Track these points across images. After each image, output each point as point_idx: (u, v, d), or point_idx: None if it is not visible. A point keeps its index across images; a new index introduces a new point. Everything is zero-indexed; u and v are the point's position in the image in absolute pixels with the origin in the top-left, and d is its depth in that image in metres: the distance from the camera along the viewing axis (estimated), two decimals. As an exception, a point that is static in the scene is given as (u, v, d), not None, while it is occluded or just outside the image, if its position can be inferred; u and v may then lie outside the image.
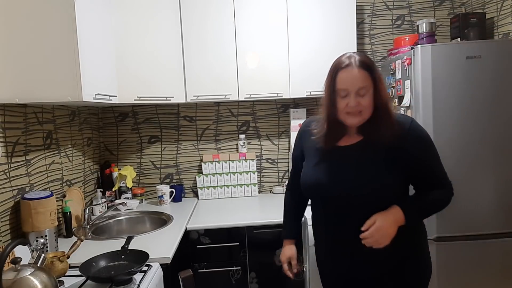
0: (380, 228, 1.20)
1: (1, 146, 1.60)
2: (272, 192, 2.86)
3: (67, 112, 2.21)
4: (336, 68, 1.28)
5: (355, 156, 1.29)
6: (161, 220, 2.30)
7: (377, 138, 1.26)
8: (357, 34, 2.59)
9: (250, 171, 2.78)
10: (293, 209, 1.60)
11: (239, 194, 2.78)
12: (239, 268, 2.18)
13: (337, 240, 1.34)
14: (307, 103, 2.84)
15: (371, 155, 1.27)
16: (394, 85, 2.46)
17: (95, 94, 1.70)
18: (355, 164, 1.28)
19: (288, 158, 2.87)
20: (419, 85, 2.15)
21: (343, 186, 1.27)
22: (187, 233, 2.14)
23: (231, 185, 2.77)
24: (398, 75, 2.37)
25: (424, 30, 2.40)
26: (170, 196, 2.64)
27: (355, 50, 2.47)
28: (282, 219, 1.62)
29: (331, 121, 1.32)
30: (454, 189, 2.12)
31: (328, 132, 1.33)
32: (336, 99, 1.27)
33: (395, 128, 1.26)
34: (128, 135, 2.80)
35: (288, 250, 1.54)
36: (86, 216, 2.09)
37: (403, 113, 2.33)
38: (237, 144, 2.84)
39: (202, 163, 2.77)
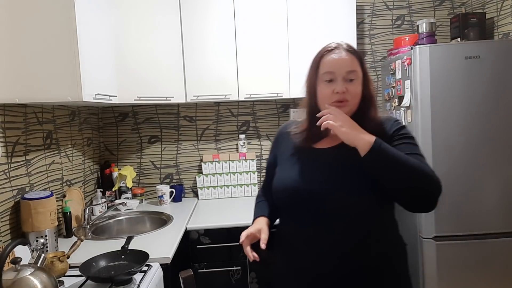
0: (341, 114, 1.07)
1: (1, 146, 1.60)
2: (272, 192, 2.86)
3: (67, 112, 2.21)
4: (322, 53, 1.17)
5: (336, 159, 1.15)
6: (161, 220, 2.30)
7: None
8: (357, 34, 2.60)
9: (250, 171, 2.78)
10: (267, 201, 1.35)
11: (239, 194, 2.78)
12: (239, 268, 2.18)
13: (312, 260, 1.13)
14: (307, 103, 2.83)
15: (354, 158, 1.08)
16: (394, 85, 2.46)
17: (95, 94, 1.70)
18: (334, 167, 1.13)
19: (288, 158, 2.87)
20: (418, 85, 2.15)
21: (321, 192, 1.11)
22: (187, 233, 2.14)
23: (231, 185, 2.77)
24: (398, 75, 2.37)
25: (424, 30, 2.41)
26: (170, 196, 2.64)
27: (355, 50, 2.48)
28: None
29: (313, 117, 1.16)
30: (454, 188, 2.14)
31: (309, 129, 1.20)
32: (320, 86, 1.15)
33: (380, 128, 1.14)
34: (128, 135, 2.80)
35: (256, 223, 1.23)
36: (86, 216, 2.09)
37: (403, 113, 2.34)
38: (237, 144, 2.84)
39: (202, 163, 2.77)
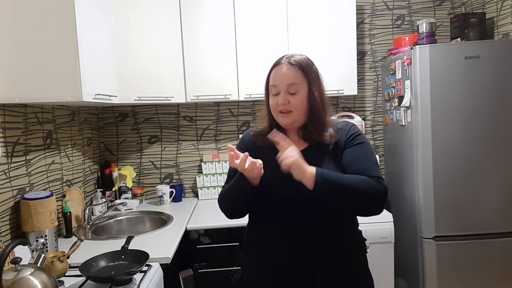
0: (292, 151, 1.12)
1: (1, 146, 1.60)
2: (272, 192, 2.86)
3: (67, 112, 2.21)
4: (272, 67, 1.30)
5: (307, 161, 1.21)
6: (161, 220, 2.30)
7: (321, 143, 1.23)
8: (357, 34, 2.59)
9: (250, 171, 2.78)
10: None
11: (239, 194, 2.77)
12: (239, 268, 2.18)
13: (282, 255, 1.24)
14: (307, 103, 2.83)
15: (321, 160, 1.22)
16: (394, 85, 2.46)
17: (95, 94, 1.70)
18: None
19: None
20: (418, 85, 2.15)
21: (297, 189, 1.18)
22: (187, 233, 2.14)
23: (231, 185, 2.77)
24: (398, 75, 2.38)
25: (424, 30, 2.41)
26: (170, 196, 2.64)
27: (355, 50, 2.48)
28: (228, 195, 1.37)
29: (271, 121, 1.31)
30: (454, 188, 2.15)
31: (269, 130, 1.29)
32: (270, 98, 1.28)
33: (333, 136, 1.24)
34: (128, 135, 2.80)
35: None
36: (86, 216, 2.09)
37: (403, 113, 2.34)
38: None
39: (202, 163, 2.77)
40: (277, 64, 1.28)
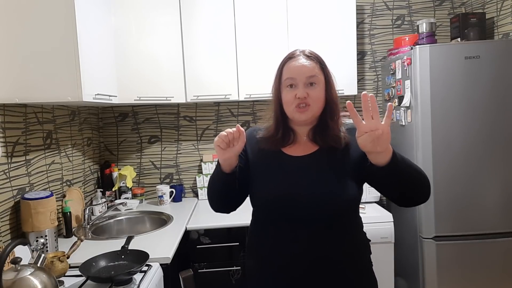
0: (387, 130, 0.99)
1: (1, 146, 1.60)
2: (272, 192, 2.86)
3: (67, 112, 2.21)
4: (284, 60, 1.23)
5: (316, 166, 1.18)
6: (161, 220, 2.30)
7: (332, 144, 1.18)
8: (357, 34, 2.59)
9: (250, 171, 2.77)
10: None
11: (239, 194, 2.77)
12: (239, 268, 2.18)
13: (288, 260, 1.19)
14: (307, 103, 2.83)
15: (332, 164, 1.17)
16: (394, 85, 2.46)
17: (95, 94, 1.70)
18: (317, 174, 1.17)
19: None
20: (418, 85, 2.15)
21: (310, 197, 1.15)
22: (187, 233, 2.14)
23: (231, 185, 2.77)
24: (398, 75, 2.38)
25: (424, 30, 2.41)
26: (170, 196, 2.64)
27: (355, 50, 2.48)
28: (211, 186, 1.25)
29: (278, 122, 1.24)
30: (454, 188, 2.15)
31: (275, 133, 1.24)
32: (283, 92, 1.20)
33: (346, 134, 1.20)
34: (128, 135, 2.80)
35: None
36: (86, 216, 2.09)
37: (403, 113, 2.34)
38: (237, 144, 2.84)
39: (202, 163, 2.77)
40: (291, 56, 1.21)
